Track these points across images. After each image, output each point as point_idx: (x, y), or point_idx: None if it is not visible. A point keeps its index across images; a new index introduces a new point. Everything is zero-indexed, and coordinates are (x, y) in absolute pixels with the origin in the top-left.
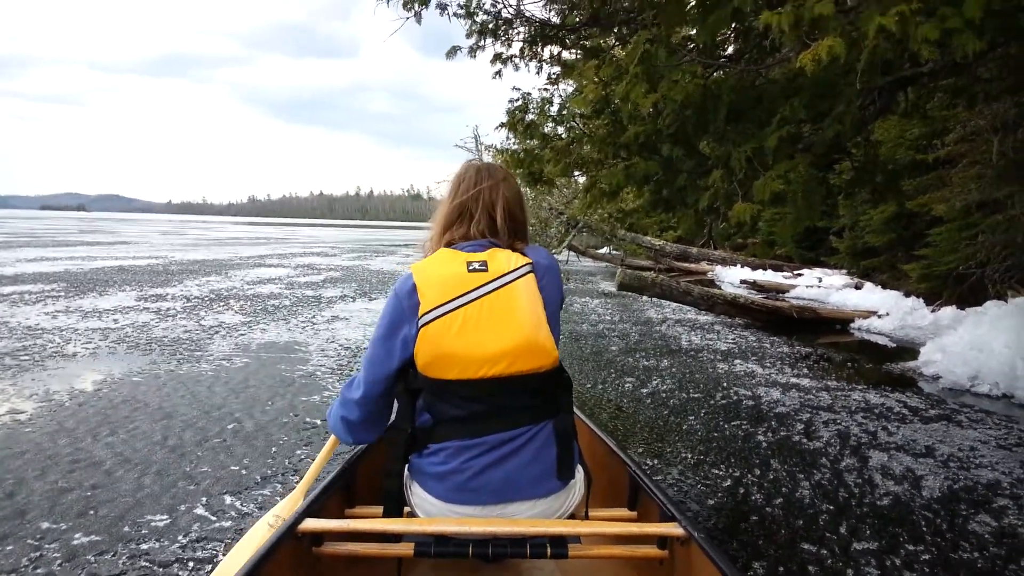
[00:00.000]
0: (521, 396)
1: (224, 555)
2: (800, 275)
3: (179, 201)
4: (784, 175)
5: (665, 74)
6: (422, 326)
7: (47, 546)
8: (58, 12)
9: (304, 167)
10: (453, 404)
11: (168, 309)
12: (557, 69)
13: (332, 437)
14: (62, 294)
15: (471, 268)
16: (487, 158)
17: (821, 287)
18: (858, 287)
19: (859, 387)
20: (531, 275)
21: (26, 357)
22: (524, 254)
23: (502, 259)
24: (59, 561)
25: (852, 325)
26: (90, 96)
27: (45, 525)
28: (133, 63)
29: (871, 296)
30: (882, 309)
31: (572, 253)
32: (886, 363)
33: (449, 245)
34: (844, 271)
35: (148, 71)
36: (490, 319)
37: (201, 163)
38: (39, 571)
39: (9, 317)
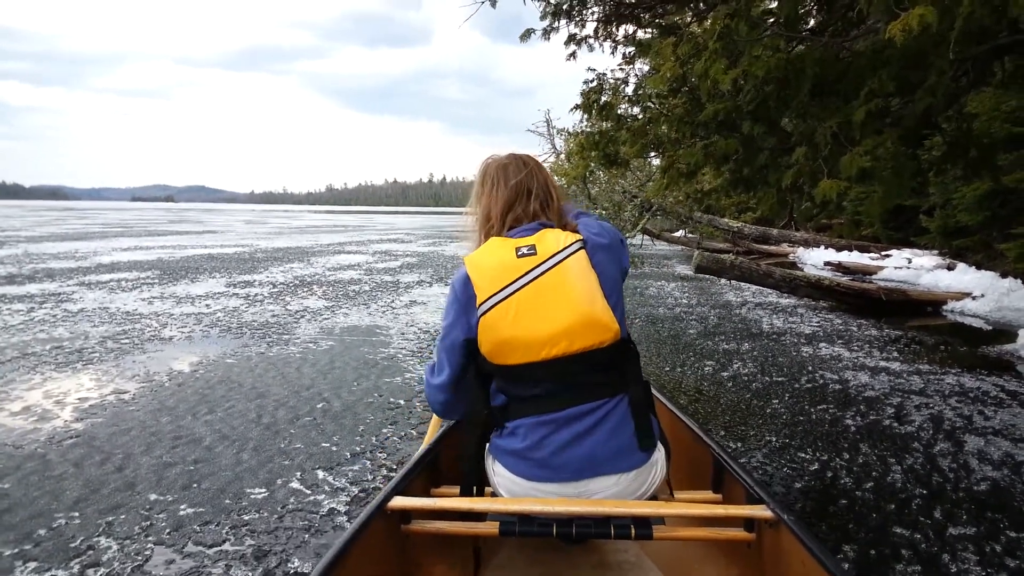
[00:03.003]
0: (588, 372)
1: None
2: (888, 256)
3: (261, 191)
4: (872, 151)
5: (745, 49)
6: (481, 316)
7: (156, 516)
8: (145, 9)
9: (378, 155)
10: (523, 386)
11: (256, 295)
12: (632, 49)
13: (433, 416)
14: (156, 281)
15: (520, 253)
16: (559, 142)
17: (910, 268)
18: (950, 268)
19: (953, 371)
20: (582, 251)
21: (126, 341)
22: (576, 231)
23: (551, 240)
24: (167, 530)
25: (944, 307)
26: (176, 91)
27: (153, 497)
28: (215, 57)
29: (964, 277)
30: (976, 290)
31: (646, 237)
32: (981, 346)
33: (508, 231)
34: (935, 251)
35: (230, 65)
36: (544, 301)
37: (281, 154)
38: (150, 539)
39: (109, 303)
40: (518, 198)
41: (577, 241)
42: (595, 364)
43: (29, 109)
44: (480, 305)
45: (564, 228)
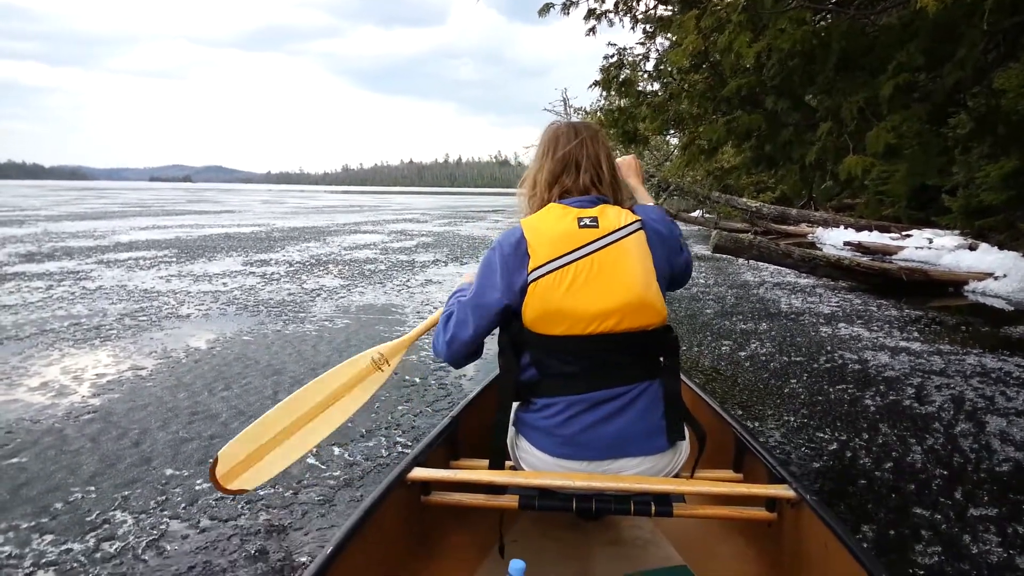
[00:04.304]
0: (628, 354)
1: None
2: (909, 236)
3: (277, 171)
4: (899, 126)
5: (770, 22)
6: (531, 281)
7: (172, 490)
8: None
9: (394, 136)
10: (560, 359)
11: (272, 273)
12: (652, 24)
13: (432, 317)
14: (174, 260)
15: (582, 224)
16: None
17: (932, 248)
18: (972, 248)
19: (974, 351)
20: (641, 232)
21: (144, 318)
22: (633, 211)
23: (612, 215)
24: (183, 504)
25: (966, 287)
26: (192, 71)
27: (169, 471)
28: (231, 37)
29: (987, 257)
30: (999, 271)
31: None
32: (1004, 326)
33: (560, 199)
34: (957, 231)
35: (245, 45)
36: (600, 276)
37: (297, 134)
38: (165, 513)
39: (127, 281)
40: (565, 170)
41: (636, 221)
42: (636, 346)
43: (47, 90)
44: (533, 270)
45: (620, 205)
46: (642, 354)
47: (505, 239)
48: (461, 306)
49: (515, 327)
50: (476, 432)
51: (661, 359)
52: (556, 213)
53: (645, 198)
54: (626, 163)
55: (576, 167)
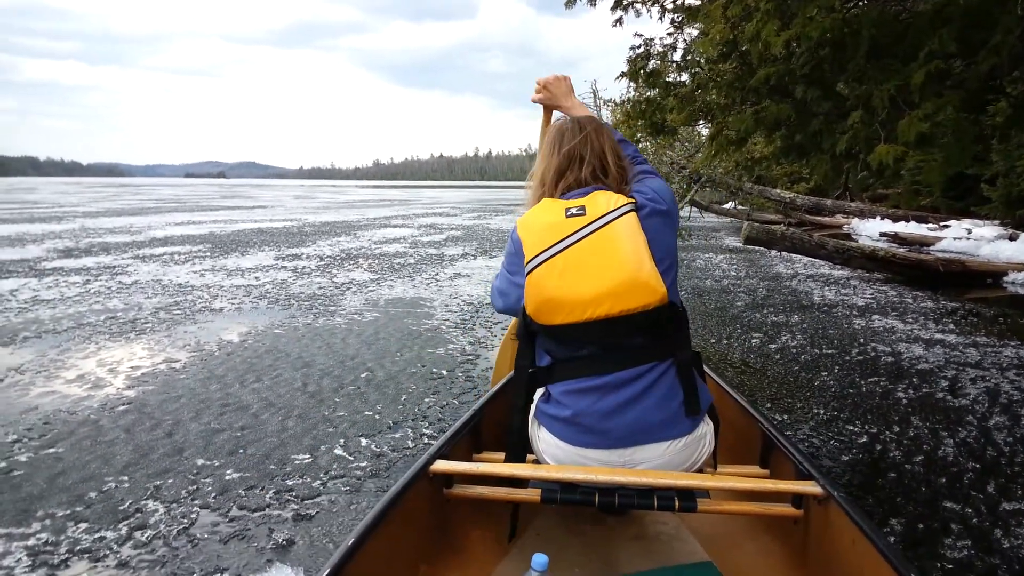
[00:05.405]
0: (633, 335)
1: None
2: (947, 227)
3: (309, 167)
4: (932, 115)
5: (799, 10)
6: (527, 274)
7: (203, 480)
8: None
9: (424, 130)
10: (568, 347)
11: (304, 267)
12: (681, 14)
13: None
14: (208, 255)
15: (569, 213)
16: (606, 113)
17: (970, 239)
18: (1012, 238)
19: (1012, 343)
20: (632, 213)
21: (178, 312)
22: (630, 194)
23: (601, 201)
24: (213, 494)
25: (1005, 279)
26: (225, 68)
27: (200, 462)
28: (263, 34)
29: None
30: None
31: (695, 209)
32: None
33: (563, 195)
34: (996, 221)
35: (277, 42)
36: (590, 261)
37: (328, 129)
38: (196, 502)
39: (162, 275)
40: (570, 165)
41: (628, 204)
42: (640, 327)
43: (85, 88)
44: (527, 263)
45: (621, 192)
46: (649, 334)
47: (508, 241)
48: (502, 277)
49: (527, 319)
50: (499, 425)
51: (671, 337)
52: (546, 206)
53: (581, 109)
54: (552, 82)
55: (580, 162)
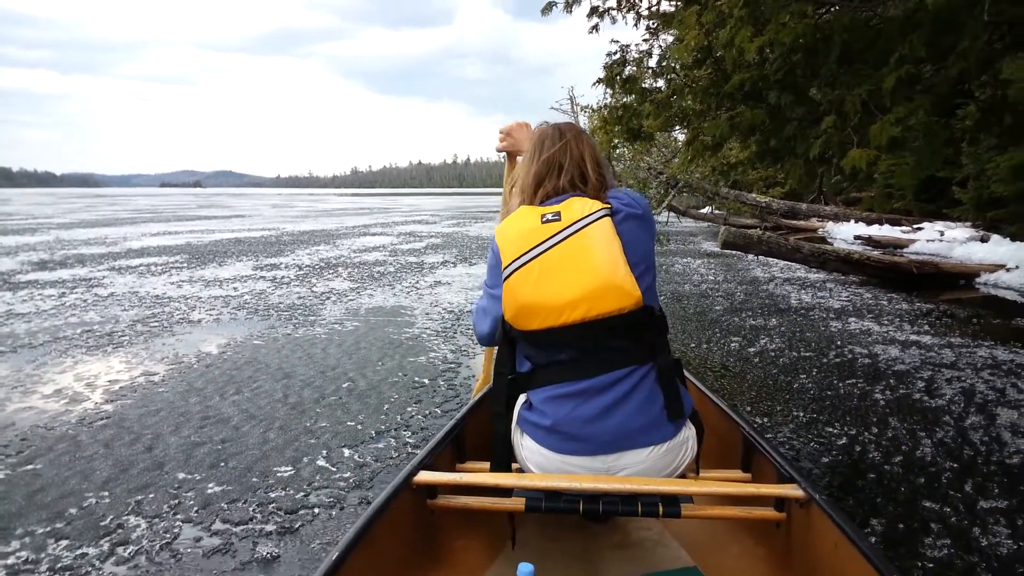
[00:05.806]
0: (610, 339)
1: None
2: (920, 229)
3: (287, 175)
4: (903, 119)
5: (772, 16)
6: (504, 280)
7: (184, 494)
8: None
9: (402, 137)
10: (547, 351)
11: (282, 277)
12: (656, 21)
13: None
14: (185, 265)
15: (544, 220)
16: (583, 119)
17: (943, 241)
18: (984, 240)
19: (985, 343)
20: (607, 218)
21: (156, 324)
22: (606, 200)
23: (576, 207)
24: (195, 508)
25: (977, 280)
26: (201, 76)
27: (181, 476)
28: (239, 42)
29: (998, 249)
30: (1011, 262)
31: (672, 214)
32: (1016, 318)
33: (542, 202)
34: (968, 223)
35: (253, 49)
36: (564, 266)
37: (306, 137)
38: (178, 517)
39: (138, 287)
40: (549, 172)
41: (602, 209)
42: (616, 331)
43: (58, 97)
44: (504, 270)
45: (597, 199)
46: (627, 338)
47: (489, 250)
48: (485, 295)
49: (506, 326)
50: (482, 434)
51: (649, 341)
52: (523, 213)
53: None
54: (515, 128)
55: (559, 170)
